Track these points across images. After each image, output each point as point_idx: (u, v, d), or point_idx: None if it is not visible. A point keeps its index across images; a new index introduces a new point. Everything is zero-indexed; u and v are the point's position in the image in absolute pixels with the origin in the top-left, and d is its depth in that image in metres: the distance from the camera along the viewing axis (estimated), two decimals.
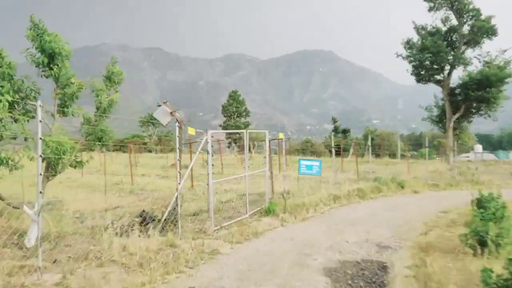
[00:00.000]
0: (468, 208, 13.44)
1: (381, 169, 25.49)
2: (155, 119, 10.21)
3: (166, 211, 9.05)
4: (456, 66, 32.07)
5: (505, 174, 28.72)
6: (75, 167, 7.78)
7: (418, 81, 33.36)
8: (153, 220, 8.70)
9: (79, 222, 9.60)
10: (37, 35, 7.32)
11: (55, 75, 7.25)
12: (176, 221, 8.72)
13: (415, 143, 49.91)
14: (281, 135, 13.80)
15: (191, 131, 9.30)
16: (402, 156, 47.25)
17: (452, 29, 32.56)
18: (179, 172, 8.81)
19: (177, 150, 8.77)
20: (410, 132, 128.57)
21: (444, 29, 32.87)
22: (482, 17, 30.82)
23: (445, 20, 32.61)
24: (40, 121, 6.09)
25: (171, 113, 9.36)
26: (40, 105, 6.09)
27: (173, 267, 6.74)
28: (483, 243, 7.52)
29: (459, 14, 31.43)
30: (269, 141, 13.40)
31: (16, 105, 7.32)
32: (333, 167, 18.70)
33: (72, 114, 7.82)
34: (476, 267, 6.75)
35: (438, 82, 33.42)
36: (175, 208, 8.86)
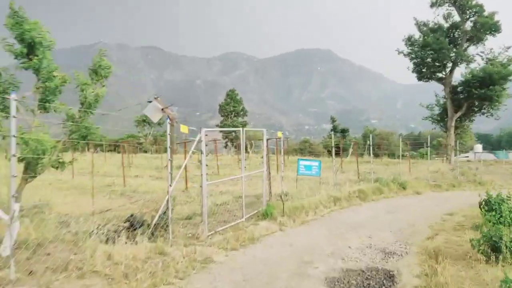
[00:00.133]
0: (474, 210, 12.98)
1: (381, 170, 24.98)
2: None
3: (156, 215, 8.47)
4: (459, 63, 31.53)
5: (506, 175, 28.31)
6: (57, 168, 7.19)
7: (420, 78, 32.80)
8: (142, 225, 8.11)
9: (64, 226, 9.02)
10: (17, 23, 6.74)
11: (34, 67, 6.65)
12: (167, 226, 8.14)
13: (414, 143, 49.38)
14: (279, 134, 13.23)
15: (183, 129, 8.72)
16: (402, 156, 46.77)
17: (454, 26, 32.02)
18: (170, 173, 8.23)
19: (168, 150, 8.19)
20: (409, 132, 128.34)
21: (446, 25, 32.34)
22: (485, 13, 30.29)
23: (447, 16, 32.09)
24: (14, 117, 5.54)
25: (162, 109, 8.78)
26: (14, 99, 5.53)
27: (161, 278, 6.17)
28: (496, 249, 6.98)
29: (461, 10, 30.89)
30: (267, 140, 12.82)
31: None
32: (333, 167, 18.11)
33: (55, 110, 7.22)
34: (491, 276, 6.23)
35: (439, 80, 32.87)
36: (165, 212, 8.27)
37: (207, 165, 9.36)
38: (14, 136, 5.50)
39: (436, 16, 32.66)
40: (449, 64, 32.12)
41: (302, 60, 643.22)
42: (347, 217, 12.31)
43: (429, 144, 24.70)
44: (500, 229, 7.40)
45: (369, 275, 6.75)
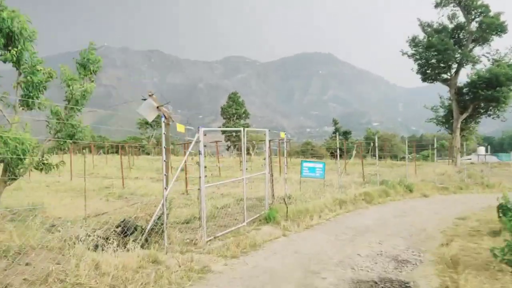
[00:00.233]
0: (487, 214, 12.34)
1: (386, 172, 24.33)
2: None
3: (151, 220, 7.87)
4: (464, 64, 30.88)
5: (511, 177, 27.66)
6: (41, 170, 6.61)
7: (424, 80, 32.14)
8: (135, 230, 7.51)
9: (54, 231, 8.44)
10: None
11: (13, 59, 6.08)
12: (162, 231, 7.53)
13: (418, 145, 48.66)
14: (282, 134, 12.63)
15: (179, 128, 8.14)
16: (404, 158, 46.10)
17: (459, 26, 31.39)
18: (165, 175, 7.64)
19: (163, 150, 7.60)
20: (410, 135, 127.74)
21: (451, 26, 31.71)
22: (491, 14, 29.64)
23: (452, 17, 31.46)
24: None
25: (157, 107, 8.19)
26: None
27: None
28: None
29: (466, 10, 30.27)
30: (269, 141, 12.23)
31: None
32: (337, 169, 17.51)
33: (39, 107, 6.65)
34: None
35: (445, 81, 32.22)
36: (160, 216, 7.67)
37: (205, 167, 8.79)
38: None
39: (440, 17, 32.00)
40: (454, 65, 31.47)
41: (303, 63, 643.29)
42: (354, 221, 11.69)
43: (435, 146, 24.06)
44: None
45: (383, 287, 6.12)
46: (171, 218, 10.93)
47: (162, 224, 7.57)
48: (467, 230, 10.17)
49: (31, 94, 6.44)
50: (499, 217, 9.01)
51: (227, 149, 59.12)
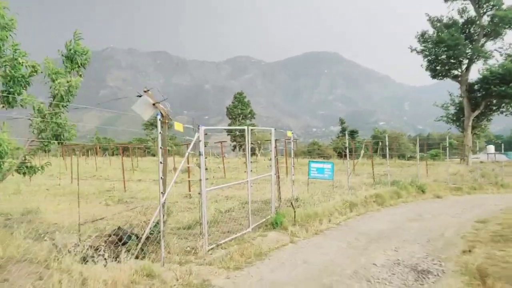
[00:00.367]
0: (509, 217, 11.59)
1: (396, 172, 23.58)
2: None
3: (147, 227, 7.24)
4: (475, 60, 29.89)
5: None
6: (24, 173, 6.00)
7: (434, 77, 31.21)
8: (129, 239, 6.88)
9: (46, 239, 7.85)
10: None
11: None
12: (159, 240, 6.90)
13: (427, 144, 47.73)
14: (289, 133, 11.96)
15: (177, 126, 7.50)
16: (411, 157, 45.18)
17: (470, 21, 30.41)
18: (161, 178, 7.01)
19: (159, 151, 6.96)
20: (417, 134, 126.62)
21: (461, 20, 30.77)
22: (504, 7, 28.62)
23: (462, 11, 30.50)
24: None
25: (154, 104, 7.55)
26: None
27: None
28: None
29: (478, 4, 29.26)
30: (275, 141, 11.57)
31: None
32: (347, 170, 16.80)
33: (21, 105, 6.04)
34: None
35: (455, 78, 31.27)
36: (156, 224, 7.04)
37: (207, 169, 8.14)
38: None
39: (450, 11, 30.96)
40: (465, 61, 30.48)
41: (309, 63, 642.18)
42: (366, 226, 10.99)
43: (447, 145, 23.23)
44: None
45: None
46: (172, 223, 10.34)
47: (159, 232, 6.93)
48: (489, 235, 9.43)
49: (12, 90, 5.83)
50: None
51: (233, 150, 58.53)
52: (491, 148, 45.85)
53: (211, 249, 7.76)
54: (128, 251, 6.49)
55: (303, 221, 10.42)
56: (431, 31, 31.00)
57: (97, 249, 6.44)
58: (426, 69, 31.23)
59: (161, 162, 7.00)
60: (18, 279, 5.20)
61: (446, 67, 30.65)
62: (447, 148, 23.46)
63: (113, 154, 51.25)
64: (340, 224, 11.17)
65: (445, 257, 7.79)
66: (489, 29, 29.31)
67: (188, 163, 15.32)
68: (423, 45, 30.74)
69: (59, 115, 6.20)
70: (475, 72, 30.55)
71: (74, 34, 6.71)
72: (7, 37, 5.63)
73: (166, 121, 7.58)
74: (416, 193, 17.46)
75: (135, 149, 43.10)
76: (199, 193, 7.86)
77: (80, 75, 6.45)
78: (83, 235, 8.18)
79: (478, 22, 29.96)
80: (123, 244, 6.68)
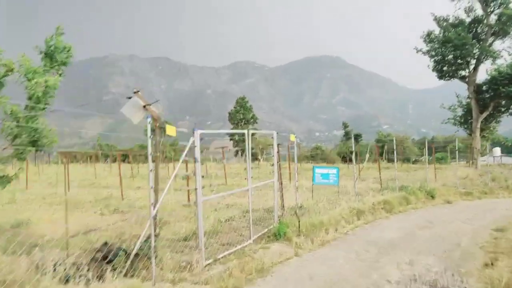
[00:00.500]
0: None
1: (403, 176, 22.83)
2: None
3: (137, 242, 6.58)
4: (483, 59, 29.11)
5: None
6: None
7: (441, 77, 30.41)
8: (117, 255, 6.21)
9: (24, 255, 7.20)
10: None
11: None
12: (149, 256, 6.23)
13: (430, 147, 46.90)
14: (292, 137, 11.30)
15: (169, 130, 6.86)
16: (416, 161, 44.39)
17: (477, 20, 29.66)
18: (152, 187, 6.36)
19: (150, 157, 6.32)
20: (421, 137, 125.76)
21: (468, 20, 30.07)
22: None
23: (469, 10, 29.81)
24: None
25: (144, 106, 6.93)
26: None
27: None
28: None
29: (485, 2, 28.56)
30: (278, 145, 10.92)
31: None
32: (353, 175, 16.12)
33: None
34: None
35: (462, 78, 30.49)
36: (148, 238, 6.37)
37: (203, 176, 7.50)
38: None
39: (456, 10, 30.24)
40: (473, 61, 29.68)
41: (311, 67, 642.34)
42: (375, 235, 10.30)
43: (456, 148, 22.51)
44: None
45: None
46: (169, 234, 9.69)
47: (150, 248, 6.27)
48: (510, 245, 8.73)
49: None
50: None
51: (235, 155, 57.93)
52: (497, 150, 45.03)
53: (208, 264, 7.09)
54: (115, 269, 5.83)
55: (308, 231, 9.74)
56: (436, 31, 30.36)
57: (78, 268, 5.78)
58: (433, 70, 30.45)
59: (151, 170, 6.35)
60: None
61: (453, 68, 29.85)
62: (457, 151, 22.74)
63: (114, 161, 50.70)
64: (347, 234, 10.50)
65: (466, 271, 7.11)
66: (497, 28, 28.58)
67: (187, 170, 14.69)
68: (429, 45, 30.00)
69: (36, 119, 5.56)
70: (483, 73, 29.84)
71: (57, 30, 6.10)
72: None
73: (158, 124, 6.96)
74: (425, 198, 16.75)
75: (135, 156, 42.53)
76: (194, 203, 7.20)
77: (60, 74, 5.82)
78: (74, 248, 7.56)
79: (485, 21, 29.21)
80: (109, 262, 6.01)
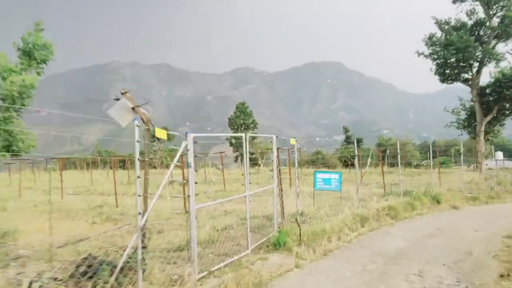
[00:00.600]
0: None
1: (406, 181, 22.26)
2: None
3: (124, 254, 6.03)
4: (486, 62, 28.61)
5: None
6: None
7: (443, 81, 29.86)
8: (99, 270, 5.66)
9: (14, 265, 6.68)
10: None
11: None
12: (136, 270, 5.68)
13: (433, 151, 46.31)
14: (292, 141, 10.78)
15: (159, 133, 6.35)
16: (418, 165, 43.76)
17: (479, 23, 29.20)
18: (139, 195, 5.84)
19: (137, 162, 5.79)
20: (422, 142, 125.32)
21: (470, 22, 29.62)
22: None
23: (471, 13, 29.37)
24: None
25: (133, 108, 6.42)
26: None
27: None
28: None
29: (487, 5, 28.14)
30: (277, 149, 10.39)
31: None
32: (357, 180, 15.58)
33: None
34: None
35: (465, 82, 30.00)
36: (135, 251, 5.83)
37: (196, 183, 6.97)
38: None
39: (458, 13, 29.83)
40: (476, 64, 29.21)
41: (312, 73, 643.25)
42: (381, 244, 9.74)
43: (461, 151, 21.96)
44: None
45: None
46: (162, 244, 9.15)
47: (136, 261, 5.72)
48: None
49: None
50: None
51: (235, 161, 57.37)
52: (500, 154, 44.47)
53: (202, 277, 6.54)
54: (95, 286, 5.28)
55: (309, 239, 9.19)
56: (438, 34, 29.87)
57: (60, 281, 5.25)
58: (435, 73, 29.94)
59: (138, 177, 5.83)
60: None
61: (456, 71, 29.37)
62: (461, 155, 22.17)
63: (113, 167, 50.12)
64: (351, 242, 9.93)
65: (480, 284, 6.56)
66: (499, 31, 28.12)
67: (183, 176, 14.13)
68: (431, 48, 29.51)
69: (11, 121, 5.04)
70: (487, 76, 29.37)
71: (36, 26, 5.60)
72: None
73: (148, 127, 6.44)
74: (430, 204, 16.19)
75: (133, 162, 42.01)
76: (186, 212, 6.67)
77: (39, 73, 5.31)
78: (60, 260, 7.04)
79: (487, 23, 28.76)
80: (89, 277, 5.47)
